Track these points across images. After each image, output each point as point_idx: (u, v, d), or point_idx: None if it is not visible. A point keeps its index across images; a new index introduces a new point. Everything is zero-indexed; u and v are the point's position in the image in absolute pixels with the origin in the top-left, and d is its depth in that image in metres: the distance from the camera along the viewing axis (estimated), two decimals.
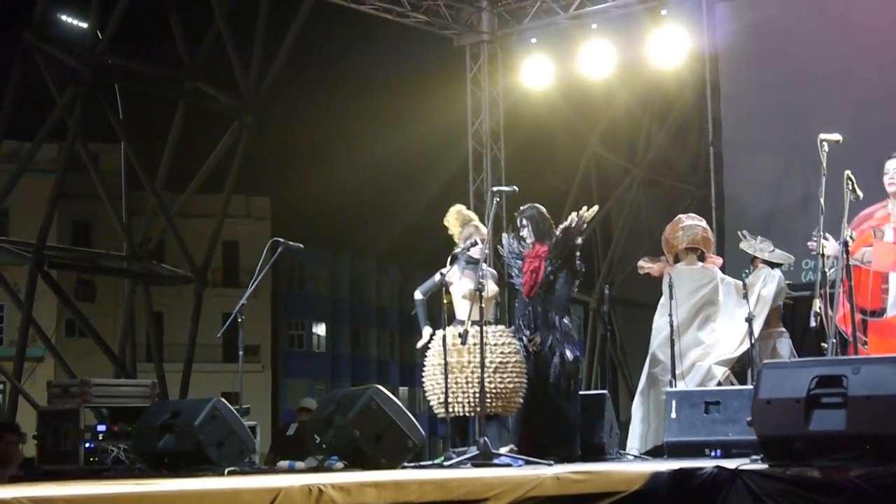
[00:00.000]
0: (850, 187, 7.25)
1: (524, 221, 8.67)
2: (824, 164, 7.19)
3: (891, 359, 6.00)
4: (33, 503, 4.30)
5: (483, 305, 7.93)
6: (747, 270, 10.19)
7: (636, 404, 9.80)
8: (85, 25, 15.46)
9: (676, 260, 10.01)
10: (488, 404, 7.84)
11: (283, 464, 7.78)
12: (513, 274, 8.68)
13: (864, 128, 10.79)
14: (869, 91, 11.62)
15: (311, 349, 41.69)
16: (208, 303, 17.40)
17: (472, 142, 14.61)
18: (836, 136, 7.31)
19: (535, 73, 13.95)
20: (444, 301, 8.24)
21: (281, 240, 8.73)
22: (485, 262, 8.34)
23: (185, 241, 16.14)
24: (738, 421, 8.38)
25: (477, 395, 7.75)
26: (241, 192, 31.03)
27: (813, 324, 7.10)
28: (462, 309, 8.06)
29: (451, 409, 7.92)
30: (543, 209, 8.75)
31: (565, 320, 8.54)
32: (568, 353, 8.45)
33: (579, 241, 8.48)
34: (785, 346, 9.95)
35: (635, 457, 9.26)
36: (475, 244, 8.27)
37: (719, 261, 10.19)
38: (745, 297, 9.38)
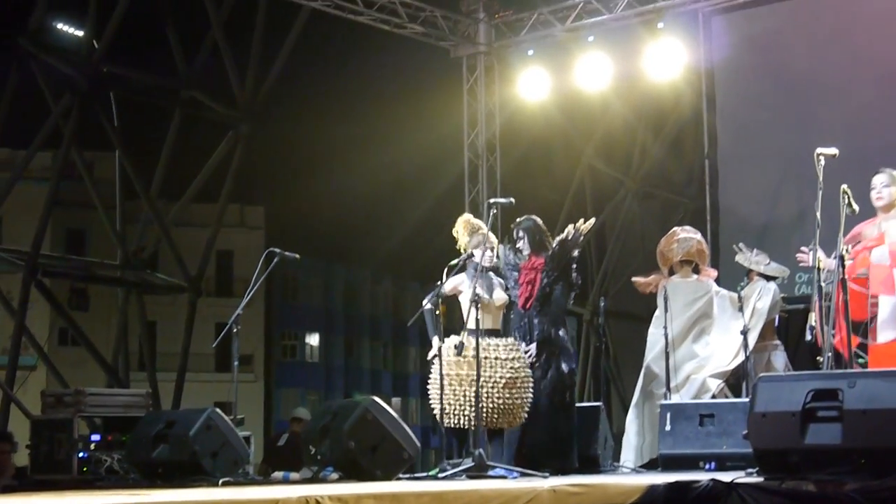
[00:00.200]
0: (847, 201, 7.26)
1: (521, 233, 8.68)
2: (821, 178, 7.20)
3: (886, 373, 6.01)
4: None
5: (491, 314, 7.94)
6: (742, 283, 10.21)
7: (631, 417, 9.80)
8: (81, 34, 15.46)
9: (671, 272, 10.02)
10: (496, 420, 7.83)
11: (278, 475, 7.78)
12: (509, 286, 8.68)
13: (859, 142, 10.82)
14: (865, 105, 11.64)
15: (304, 359, 41.63)
16: (201, 312, 17.38)
17: (468, 153, 14.61)
18: (833, 150, 7.32)
19: (532, 84, 13.96)
20: (438, 312, 8.24)
21: (277, 250, 8.72)
22: (493, 270, 8.30)
23: (179, 251, 16.12)
24: (733, 434, 8.40)
25: (484, 409, 7.73)
26: (235, 201, 31.04)
27: (808, 337, 7.12)
28: (473, 318, 7.97)
29: (456, 422, 7.87)
30: (540, 221, 8.76)
31: (561, 332, 8.54)
32: (564, 366, 8.45)
33: (576, 253, 8.48)
34: (780, 358, 9.97)
35: (630, 469, 9.26)
36: (471, 256, 8.27)
37: (714, 273, 10.20)
38: (741, 309, 9.40)
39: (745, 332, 9.27)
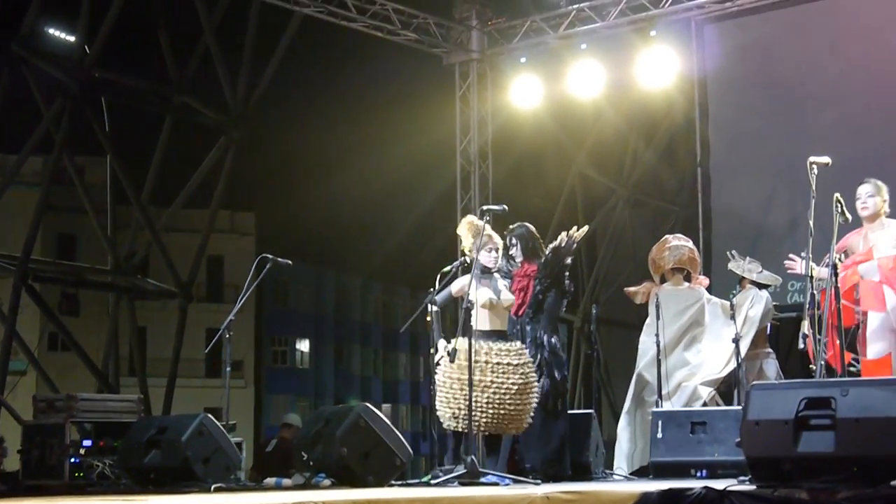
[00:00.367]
0: (840, 210, 7.29)
1: (513, 240, 8.69)
2: (813, 187, 7.22)
3: (879, 381, 6.02)
4: None
5: (499, 316, 7.92)
6: (734, 291, 10.23)
7: (622, 424, 9.81)
8: (73, 39, 15.43)
9: (663, 280, 10.04)
10: (505, 426, 7.83)
11: (270, 481, 7.76)
12: None
13: (851, 151, 10.85)
14: (856, 115, 11.69)
15: (294, 365, 41.60)
16: (192, 318, 17.32)
17: (461, 160, 14.63)
18: (826, 159, 7.35)
19: (524, 92, 13.99)
20: (427, 319, 8.23)
21: (269, 256, 8.71)
22: (498, 272, 8.28)
23: (170, 256, 16.09)
24: (724, 441, 8.42)
25: (496, 416, 7.74)
26: (226, 207, 30.98)
27: (801, 345, 7.13)
28: (482, 320, 7.99)
29: (466, 426, 7.73)
30: (533, 228, 8.78)
31: (553, 339, 8.55)
32: (556, 373, 8.46)
33: (569, 260, 8.48)
34: (771, 366, 9.99)
35: (622, 477, 9.27)
36: (464, 262, 8.27)
37: (706, 281, 10.22)
38: (733, 317, 9.42)
39: (736, 340, 9.28)
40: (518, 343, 8.18)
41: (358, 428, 7.25)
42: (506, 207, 8.18)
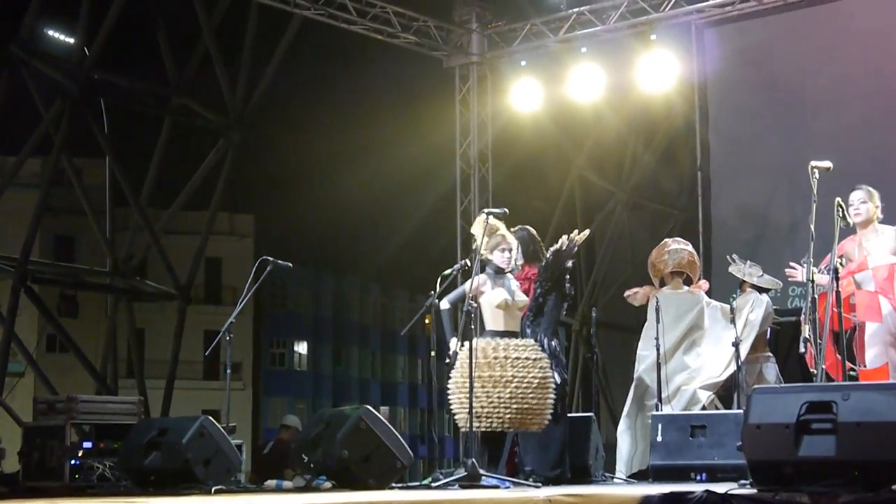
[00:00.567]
0: (841, 214, 7.30)
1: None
2: (815, 191, 7.23)
3: (881, 385, 6.04)
4: None
5: (513, 317, 7.91)
6: (734, 295, 10.23)
7: (622, 427, 9.81)
8: (72, 41, 15.42)
9: (662, 284, 10.04)
10: (528, 421, 7.80)
11: (271, 483, 7.76)
12: None
13: (851, 155, 10.86)
14: (856, 118, 11.70)
15: (292, 367, 41.58)
16: (190, 320, 17.31)
17: (461, 163, 14.63)
18: (827, 164, 7.36)
19: (524, 95, 14.00)
20: (426, 321, 8.21)
21: (269, 259, 8.69)
22: (511, 272, 8.23)
23: (169, 258, 16.08)
24: (724, 445, 8.42)
25: (519, 411, 7.71)
26: (225, 209, 30.99)
27: (802, 350, 7.14)
28: (496, 320, 7.98)
29: (489, 425, 7.73)
30: (534, 231, 8.78)
31: (554, 343, 8.54)
32: (556, 376, 8.45)
33: (570, 264, 8.48)
34: (771, 370, 9.99)
35: (623, 480, 9.27)
36: (466, 266, 8.26)
37: (705, 285, 10.22)
38: (733, 321, 9.42)
39: (736, 344, 9.28)
40: (531, 340, 8.16)
41: (359, 430, 7.25)
42: (506, 211, 8.18)
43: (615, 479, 9.27)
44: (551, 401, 8.00)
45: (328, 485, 7.25)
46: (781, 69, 12.45)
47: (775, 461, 5.80)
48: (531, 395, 7.78)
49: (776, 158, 12.15)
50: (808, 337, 7.05)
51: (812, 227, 7.17)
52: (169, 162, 16.65)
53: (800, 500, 5.47)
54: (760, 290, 9.95)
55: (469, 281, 8.01)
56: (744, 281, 10.06)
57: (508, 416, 7.71)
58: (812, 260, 7.31)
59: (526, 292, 8.51)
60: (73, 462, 8.52)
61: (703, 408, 9.43)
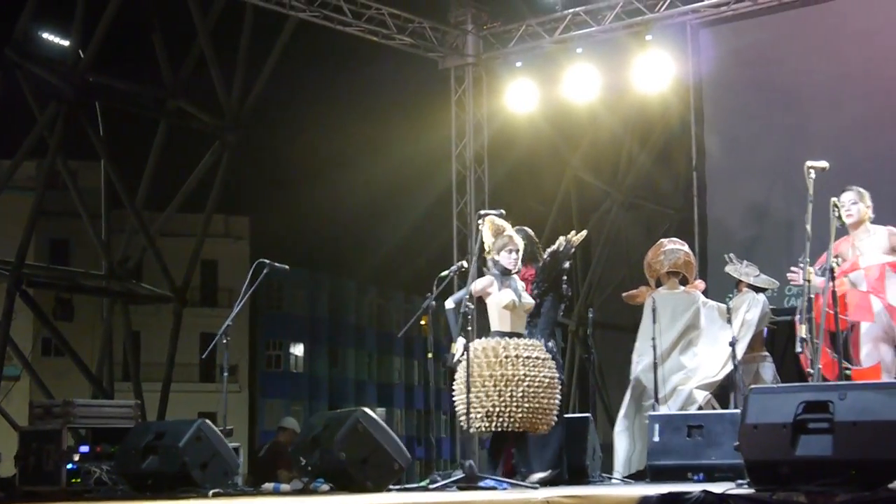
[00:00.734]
0: (837, 214, 7.31)
1: None
2: (810, 191, 7.24)
3: (877, 385, 6.05)
4: None
5: (519, 318, 7.89)
6: (731, 294, 10.24)
7: (619, 428, 9.82)
8: (67, 43, 15.40)
9: (658, 284, 10.05)
10: (537, 421, 7.74)
11: (269, 486, 7.74)
12: None
13: (847, 155, 10.87)
14: (852, 118, 11.70)
15: (288, 369, 41.55)
16: (186, 322, 17.32)
17: (457, 164, 14.63)
18: (823, 164, 7.36)
19: (520, 96, 13.99)
20: (423, 323, 8.20)
21: (266, 261, 8.68)
22: (517, 273, 8.13)
23: (164, 261, 16.07)
24: (721, 445, 8.43)
25: (530, 409, 7.65)
26: (221, 211, 30.95)
27: (799, 349, 7.15)
28: (504, 321, 7.91)
29: (500, 424, 7.65)
30: (531, 232, 8.77)
31: (551, 343, 8.53)
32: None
33: (567, 265, 8.48)
34: (768, 370, 10.00)
35: (620, 480, 9.27)
36: (463, 267, 8.26)
37: (701, 285, 10.22)
38: (729, 320, 9.42)
39: (733, 344, 9.29)
40: (537, 340, 8.10)
41: (356, 433, 7.24)
42: (503, 212, 8.17)
43: (612, 480, 9.26)
44: (558, 401, 7.97)
45: (326, 487, 7.24)
46: (777, 69, 12.45)
47: (772, 461, 5.80)
48: (542, 395, 7.73)
49: (772, 158, 12.15)
50: (804, 337, 7.06)
51: (808, 227, 7.18)
52: (164, 164, 16.65)
53: (797, 500, 5.47)
54: (757, 289, 9.95)
55: (473, 280, 7.97)
56: (740, 280, 10.07)
57: (520, 415, 7.63)
58: (809, 260, 7.32)
59: None
60: (69, 466, 8.50)
61: (700, 408, 9.43)
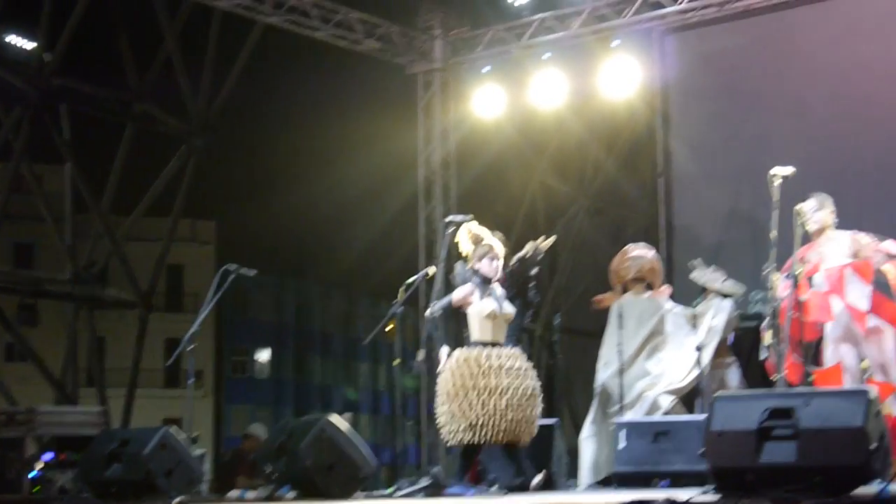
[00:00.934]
0: (800, 222, 7.36)
1: None
2: (775, 198, 7.27)
3: (841, 391, 6.10)
4: None
5: (500, 327, 7.85)
6: (697, 300, 10.26)
7: (586, 434, 9.81)
8: (32, 46, 15.30)
9: (624, 290, 10.05)
10: (520, 431, 7.69)
11: (234, 493, 7.71)
12: None
13: (814, 161, 10.87)
14: (819, 124, 11.74)
15: (254, 375, 41.35)
16: (151, 327, 17.22)
17: (424, 170, 14.61)
18: (790, 170, 7.40)
19: (487, 101, 13.99)
20: (388, 329, 8.18)
21: (232, 266, 8.62)
22: (498, 281, 8.06)
23: (130, 265, 15.97)
24: (687, 451, 8.43)
25: (514, 420, 7.58)
26: (187, 216, 30.76)
27: (764, 356, 7.19)
28: (485, 330, 7.82)
29: (485, 436, 7.58)
30: (502, 237, 8.74)
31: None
32: None
33: (535, 271, 8.47)
34: (734, 376, 10.01)
35: (586, 487, 9.27)
36: (428, 275, 8.24)
37: (668, 291, 10.23)
38: (695, 326, 9.44)
39: (699, 349, 9.31)
40: (518, 349, 8.04)
41: (322, 440, 7.21)
42: (471, 217, 8.14)
43: (579, 487, 9.26)
44: (539, 411, 7.92)
45: (291, 494, 7.21)
46: (744, 75, 12.50)
47: (737, 468, 5.82)
48: (526, 405, 7.68)
49: (738, 164, 12.18)
50: (770, 342, 7.10)
51: (773, 233, 7.22)
52: (130, 168, 16.56)
53: None
54: (724, 295, 9.97)
55: (458, 290, 7.91)
56: (706, 286, 10.08)
57: (503, 425, 7.56)
58: (774, 266, 7.36)
59: None
60: (32, 474, 8.42)
61: (666, 413, 9.44)
